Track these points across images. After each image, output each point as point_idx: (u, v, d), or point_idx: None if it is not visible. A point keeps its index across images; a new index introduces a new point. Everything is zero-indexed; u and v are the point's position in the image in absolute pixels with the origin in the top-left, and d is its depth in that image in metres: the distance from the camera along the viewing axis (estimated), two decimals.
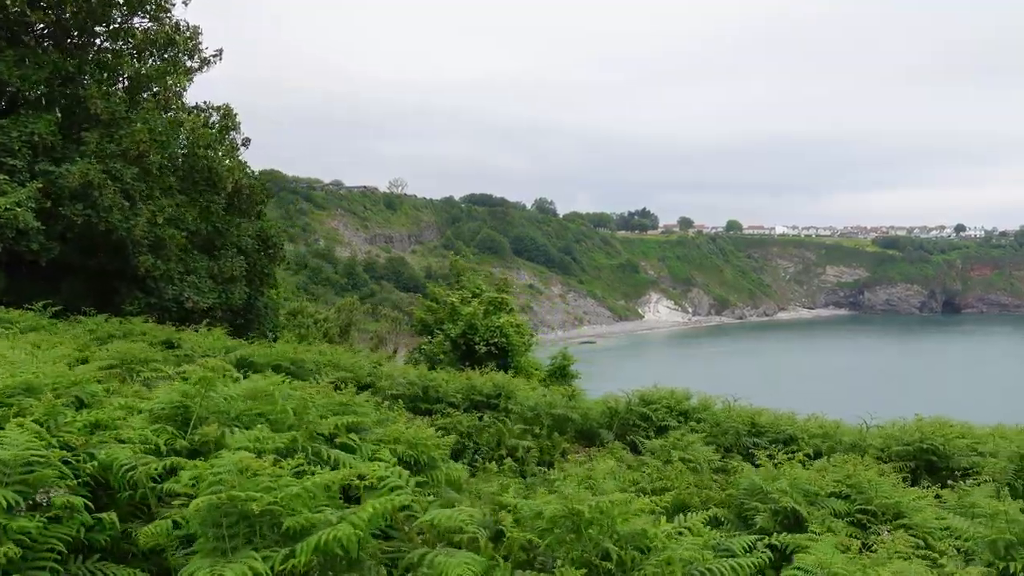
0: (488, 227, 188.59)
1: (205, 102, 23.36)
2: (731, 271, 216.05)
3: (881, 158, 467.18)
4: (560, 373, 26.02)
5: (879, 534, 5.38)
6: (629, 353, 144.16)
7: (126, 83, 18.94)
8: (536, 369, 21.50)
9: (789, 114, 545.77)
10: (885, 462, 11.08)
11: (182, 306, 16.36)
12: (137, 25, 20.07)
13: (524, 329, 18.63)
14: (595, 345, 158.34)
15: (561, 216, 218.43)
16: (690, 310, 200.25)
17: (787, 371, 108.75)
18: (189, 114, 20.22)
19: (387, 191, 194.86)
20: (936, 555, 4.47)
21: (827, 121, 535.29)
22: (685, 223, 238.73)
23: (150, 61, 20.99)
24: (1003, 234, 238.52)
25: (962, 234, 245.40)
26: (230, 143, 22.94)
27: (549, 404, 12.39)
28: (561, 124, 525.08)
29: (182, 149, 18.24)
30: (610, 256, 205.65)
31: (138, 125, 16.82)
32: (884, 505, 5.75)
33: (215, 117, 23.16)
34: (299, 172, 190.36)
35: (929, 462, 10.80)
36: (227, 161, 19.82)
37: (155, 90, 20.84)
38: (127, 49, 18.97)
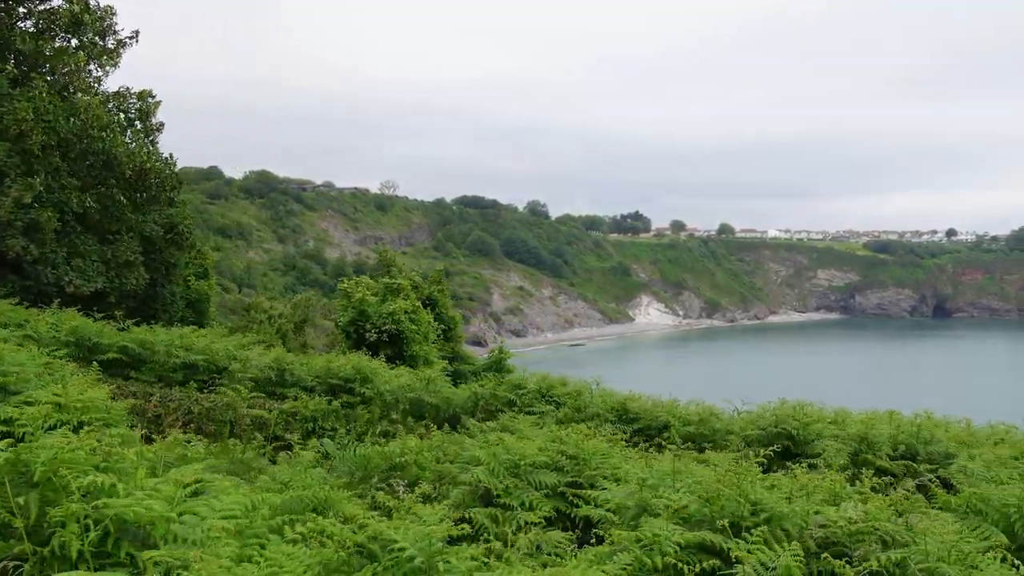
0: (479, 229, 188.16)
1: (126, 87, 22.86)
2: (722, 274, 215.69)
3: (875, 161, 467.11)
4: (496, 367, 25.62)
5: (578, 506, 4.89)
6: (618, 355, 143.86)
7: (15, 60, 18.34)
8: (457, 359, 20.97)
9: (785, 115, 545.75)
10: (749, 447, 10.69)
11: (63, 290, 15.80)
12: (41, 5, 19.53)
13: (422, 316, 18.06)
14: (585, 347, 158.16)
15: (553, 218, 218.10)
16: (681, 313, 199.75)
17: (774, 372, 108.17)
18: (95, 95, 19.65)
19: (378, 192, 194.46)
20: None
21: (823, 122, 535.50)
22: (677, 226, 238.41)
23: (58, 41, 20.46)
24: (994, 239, 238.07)
25: (953, 238, 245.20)
26: (147, 127, 22.43)
27: (407, 388, 11.86)
28: (558, 124, 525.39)
29: (75, 129, 17.62)
30: (602, 259, 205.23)
31: (22, 103, 16.21)
32: (591, 477, 5.22)
33: (136, 103, 22.67)
34: (294, 172, 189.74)
35: (785, 447, 10.32)
36: (131, 145, 19.21)
37: (65, 70, 20.27)
38: (25, 28, 18.41)
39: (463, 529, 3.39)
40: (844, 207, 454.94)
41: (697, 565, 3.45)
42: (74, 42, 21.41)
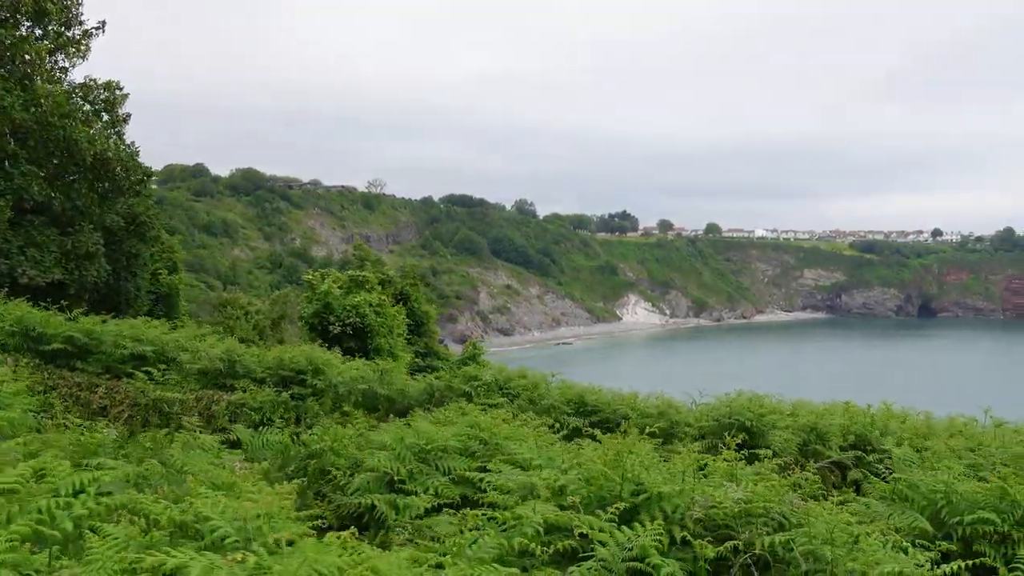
0: (467, 228, 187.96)
1: (91, 78, 22.57)
2: (709, 273, 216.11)
3: (863, 162, 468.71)
4: (470, 362, 25.47)
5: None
6: (605, 354, 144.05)
7: None
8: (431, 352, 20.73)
9: (773, 116, 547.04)
10: (704, 438, 10.55)
11: (16, 281, 15.48)
12: None
13: (387, 310, 17.83)
14: (572, 346, 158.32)
15: (541, 217, 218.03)
16: (668, 312, 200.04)
17: (758, 371, 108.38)
18: (56, 85, 19.33)
19: (365, 191, 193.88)
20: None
21: (811, 123, 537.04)
22: (664, 225, 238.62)
23: (23, 30, 20.14)
24: (979, 239, 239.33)
25: (939, 239, 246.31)
26: (114, 119, 22.15)
27: (359, 380, 11.65)
28: (546, 124, 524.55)
29: (34, 117, 17.27)
30: (589, 258, 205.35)
31: None
32: (501, 462, 5.02)
33: (103, 93, 22.39)
34: (281, 171, 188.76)
35: (741, 439, 10.14)
36: (90, 131, 18.87)
37: (27, 59, 19.93)
38: None
39: (315, 513, 3.19)
40: (831, 207, 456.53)
41: (552, 547, 3.27)
42: (38, 32, 21.11)
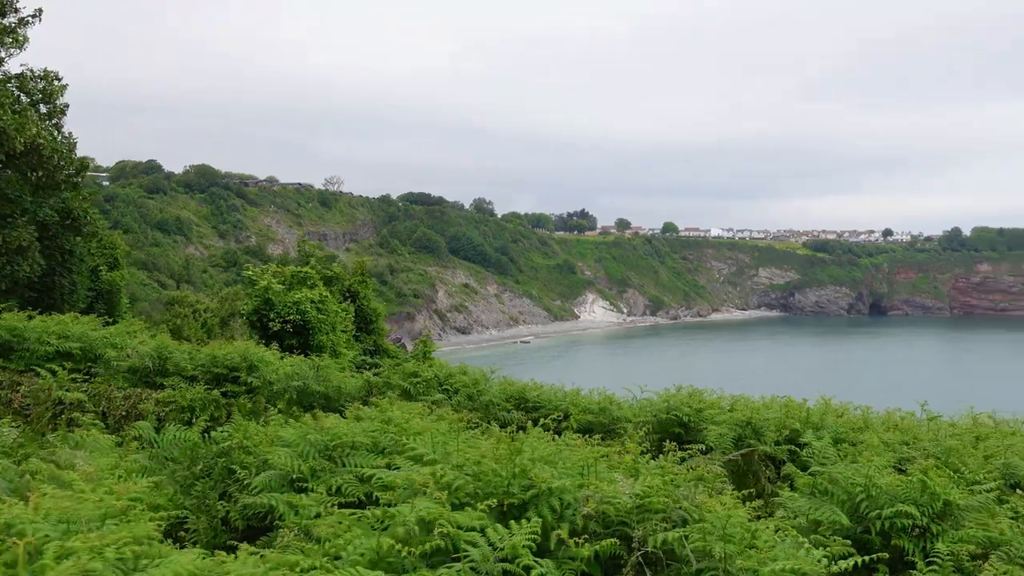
0: (425, 226, 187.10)
1: (28, 68, 21.92)
2: (666, 272, 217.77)
3: (818, 164, 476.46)
4: (423, 356, 25.20)
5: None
6: (562, 352, 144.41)
7: None
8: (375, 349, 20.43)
9: (730, 118, 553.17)
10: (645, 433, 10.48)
11: None
12: None
13: (330, 306, 17.51)
14: (529, 345, 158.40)
15: (500, 216, 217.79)
16: (625, 310, 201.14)
17: (710, 368, 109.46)
18: None
19: (322, 188, 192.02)
20: None
21: (765, 124, 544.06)
22: (622, 224, 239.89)
23: None
24: (928, 239, 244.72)
25: (889, 238, 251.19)
26: (52, 110, 21.54)
27: (293, 377, 11.36)
28: (507, 123, 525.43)
29: None
30: (547, 256, 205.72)
31: None
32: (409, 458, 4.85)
33: (40, 83, 21.75)
34: (237, 168, 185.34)
35: (677, 433, 10.11)
36: (20, 119, 18.20)
37: None
38: None
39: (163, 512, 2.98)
40: (785, 207, 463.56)
41: (424, 546, 3.09)
42: None
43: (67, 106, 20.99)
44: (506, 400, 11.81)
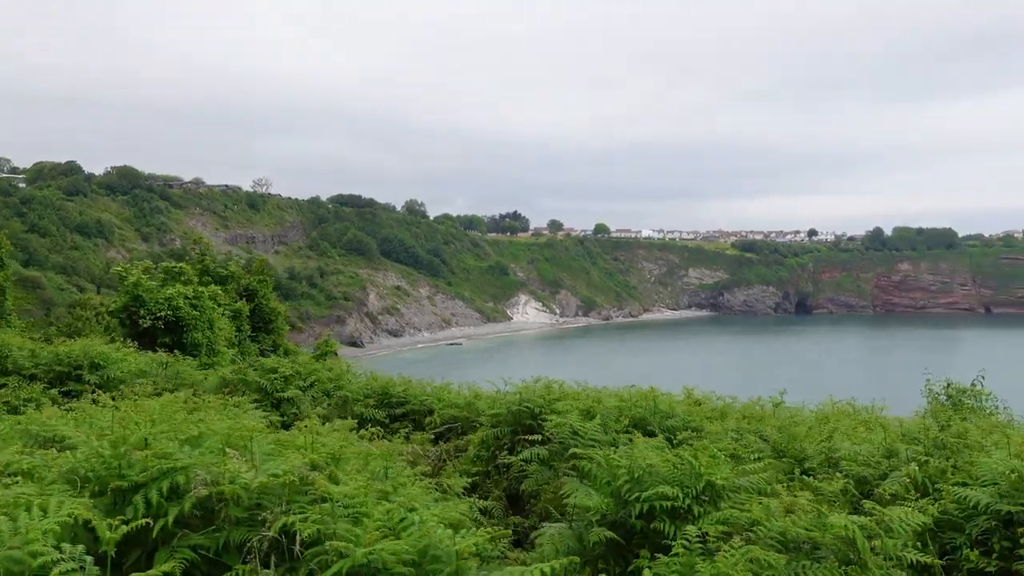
0: (356, 228, 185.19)
1: None
2: (598, 273, 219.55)
3: (745, 166, 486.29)
4: (323, 357, 24.74)
5: None
6: (494, 354, 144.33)
7: None
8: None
9: (659, 120, 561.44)
10: (496, 427, 10.34)
11: None
12: None
13: (206, 302, 16.94)
14: (462, 347, 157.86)
15: (432, 218, 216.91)
16: (558, 311, 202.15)
17: (637, 367, 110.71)
18: None
19: (250, 190, 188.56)
20: None
21: (695, 128, 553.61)
22: (555, 226, 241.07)
23: None
24: (851, 239, 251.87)
25: (814, 238, 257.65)
26: None
27: (139, 374, 10.89)
28: (439, 126, 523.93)
29: None
30: (479, 258, 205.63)
31: None
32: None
33: None
34: (162, 170, 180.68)
35: (529, 425, 9.95)
36: None
37: None
38: None
39: None
40: (713, 208, 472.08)
41: None
42: None
43: None
44: (367, 396, 11.52)
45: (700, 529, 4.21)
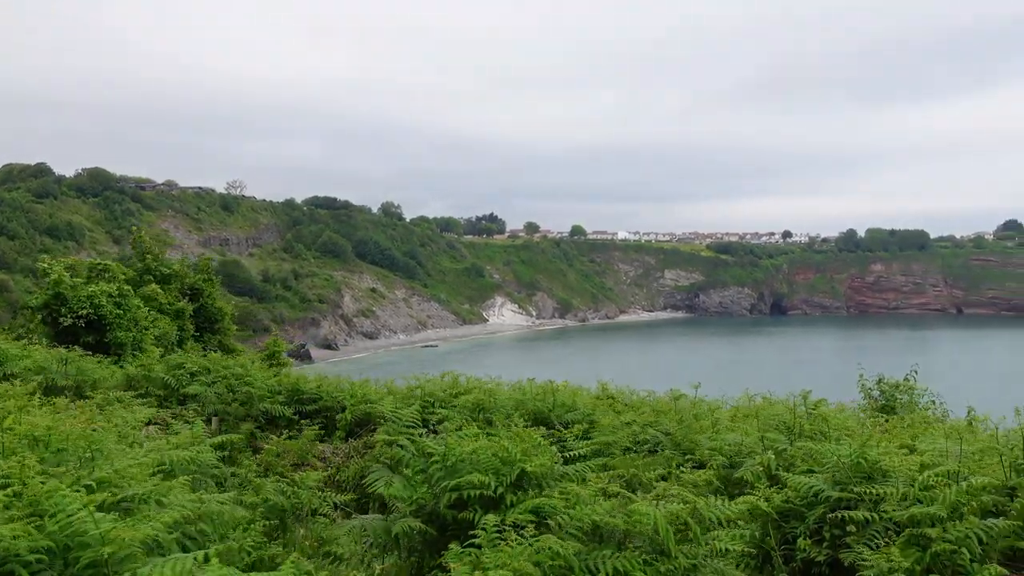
0: (331, 230, 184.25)
1: None
2: (574, 275, 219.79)
3: (721, 167, 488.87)
4: (271, 358, 24.47)
5: None
6: (469, 356, 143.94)
7: None
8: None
9: (636, 122, 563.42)
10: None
11: None
12: None
13: (132, 301, 16.59)
14: (437, 349, 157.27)
15: (408, 220, 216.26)
16: (534, 313, 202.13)
17: (610, 367, 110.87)
18: None
19: (224, 192, 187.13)
20: None
21: (672, 130, 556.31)
22: (531, 228, 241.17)
23: None
24: (825, 240, 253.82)
25: (788, 240, 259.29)
26: None
27: (36, 370, 10.61)
28: (415, 127, 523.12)
29: None
30: (456, 260, 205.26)
31: None
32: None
33: None
34: (134, 172, 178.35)
35: (424, 418, 9.82)
36: None
37: None
38: None
39: None
40: (689, 210, 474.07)
41: None
42: None
43: None
44: (276, 393, 11.31)
45: (501, 518, 4.04)
